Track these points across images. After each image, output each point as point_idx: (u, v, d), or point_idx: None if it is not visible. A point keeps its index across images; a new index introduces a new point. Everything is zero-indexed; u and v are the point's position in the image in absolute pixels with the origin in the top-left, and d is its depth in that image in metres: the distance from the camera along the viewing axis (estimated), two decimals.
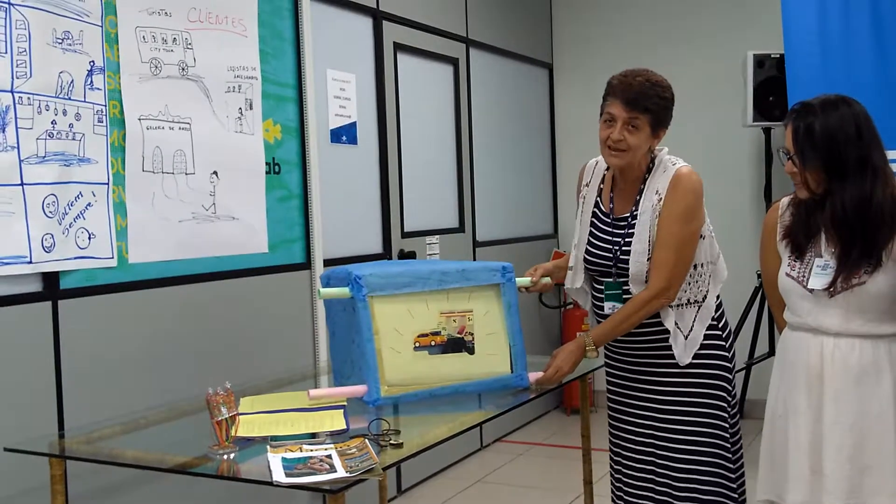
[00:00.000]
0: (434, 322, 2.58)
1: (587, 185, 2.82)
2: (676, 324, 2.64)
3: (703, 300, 2.66)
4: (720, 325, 2.70)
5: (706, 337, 2.66)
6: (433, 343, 2.58)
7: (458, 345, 2.61)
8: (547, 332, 6.07)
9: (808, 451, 2.36)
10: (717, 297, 2.71)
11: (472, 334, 2.62)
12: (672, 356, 2.65)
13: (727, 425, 2.66)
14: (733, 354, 2.73)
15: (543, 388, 2.72)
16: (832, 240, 2.35)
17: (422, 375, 2.54)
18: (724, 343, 2.69)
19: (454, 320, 2.61)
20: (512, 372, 2.66)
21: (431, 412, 2.51)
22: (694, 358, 2.65)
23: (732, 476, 2.65)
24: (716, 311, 2.69)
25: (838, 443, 2.31)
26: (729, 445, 2.65)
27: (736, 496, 2.66)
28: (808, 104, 2.37)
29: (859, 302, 2.31)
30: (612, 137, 2.58)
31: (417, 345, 2.56)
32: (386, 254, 4.44)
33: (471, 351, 2.62)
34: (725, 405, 2.66)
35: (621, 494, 2.83)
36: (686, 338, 2.64)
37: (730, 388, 2.69)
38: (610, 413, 2.84)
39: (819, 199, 2.36)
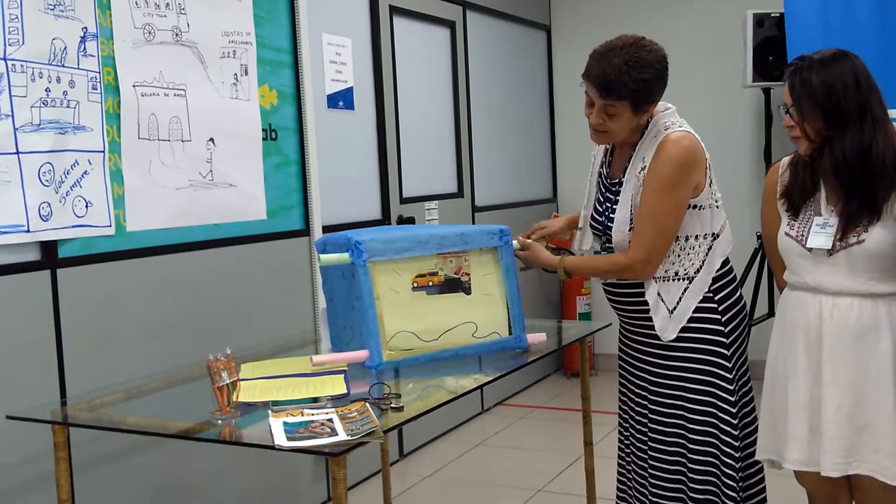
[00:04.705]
0: (431, 263, 2.60)
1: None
2: (660, 295, 2.50)
3: (696, 273, 2.50)
4: (717, 299, 2.52)
5: (697, 310, 2.50)
6: (431, 283, 2.60)
7: (455, 285, 2.62)
8: (547, 297, 6.07)
9: (806, 411, 2.36)
10: (722, 268, 2.54)
11: (468, 275, 2.64)
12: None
13: (725, 406, 2.49)
14: (733, 330, 2.53)
15: (542, 351, 2.72)
16: (832, 193, 2.34)
17: (420, 317, 2.56)
18: (719, 317, 2.51)
19: (451, 261, 2.63)
20: (511, 333, 2.68)
21: (432, 376, 2.52)
22: (682, 332, 2.50)
23: (735, 456, 2.48)
24: (713, 284, 2.51)
25: (837, 402, 2.31)
26: (727, 428, 2.48)
27: (735, 486, 2.47)
28: (806, 57, 2.36)
29: (858, 261, 2.30)
30: (591, 120, 2.49)
31: (415, 285, 2.57)
32: (385, 219, 4.43)
33: (467, 291, 2.64)
34: (723, 384, 2.49)
35: (625, 458, 2.77)
36: (671, 312, 2.50)
37: (728, 365, 2.50)
38: (619, 377, 2.78)
39: (818, 153, 2.34)
